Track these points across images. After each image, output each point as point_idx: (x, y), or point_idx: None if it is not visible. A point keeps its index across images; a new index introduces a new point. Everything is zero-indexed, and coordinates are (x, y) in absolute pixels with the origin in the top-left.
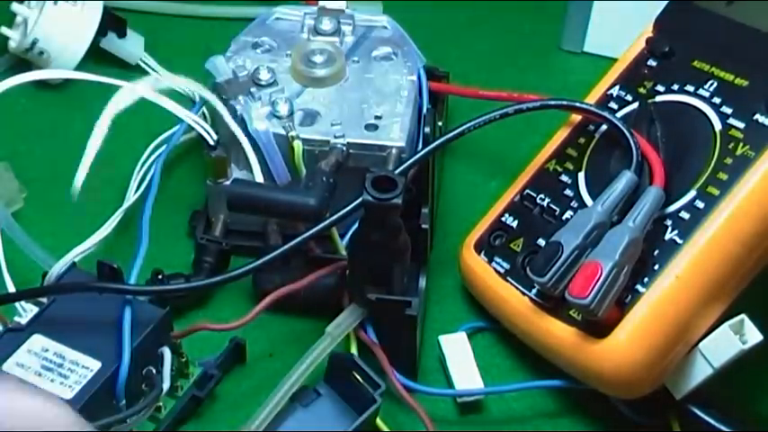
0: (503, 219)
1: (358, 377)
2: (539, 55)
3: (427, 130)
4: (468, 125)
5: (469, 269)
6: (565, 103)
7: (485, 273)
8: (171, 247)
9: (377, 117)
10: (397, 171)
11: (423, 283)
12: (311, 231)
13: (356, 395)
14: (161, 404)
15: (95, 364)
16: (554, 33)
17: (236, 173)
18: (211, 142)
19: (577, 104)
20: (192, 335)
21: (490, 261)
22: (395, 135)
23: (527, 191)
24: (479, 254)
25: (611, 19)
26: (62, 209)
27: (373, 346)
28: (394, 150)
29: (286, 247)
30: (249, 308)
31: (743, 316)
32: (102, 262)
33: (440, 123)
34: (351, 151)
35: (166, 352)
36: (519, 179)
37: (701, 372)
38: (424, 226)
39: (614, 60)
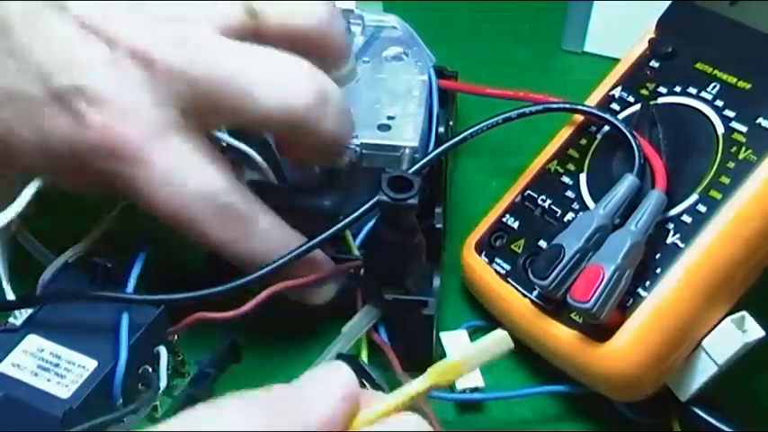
0: (504, 219)
1: (362, 380)
2: (539, 55)
3: (441, 129)
4: (474, 129)
5: (470, 269)
6: (567, 105)
7: (486, 273)
8: (174, 247)
9: (389, 117)
10: (410, 171)
11: (437, 282)
12: (326, 233)
13: None
14: (157, 403)
15: (91, 363)
16: (554, 33)
17: (249, 174)
18: (223, 144)
19: (579, 107)
20: (190, 333)
21: (491, 262)
22: (408, 135)
23: (528, 191)
24: (480, 254)
25: (611, 19)
26: (62, 208)
27: (386, 348)
28: (407, 150)
29: (300, 249)
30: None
31: (743, 312)
32: (95, 262)
33: (450, 123)
34: (364, 152)
35: (162, 351)
36: (520, 180)
37: (704, 371)
38: (437, 225)
39: (615, 60)
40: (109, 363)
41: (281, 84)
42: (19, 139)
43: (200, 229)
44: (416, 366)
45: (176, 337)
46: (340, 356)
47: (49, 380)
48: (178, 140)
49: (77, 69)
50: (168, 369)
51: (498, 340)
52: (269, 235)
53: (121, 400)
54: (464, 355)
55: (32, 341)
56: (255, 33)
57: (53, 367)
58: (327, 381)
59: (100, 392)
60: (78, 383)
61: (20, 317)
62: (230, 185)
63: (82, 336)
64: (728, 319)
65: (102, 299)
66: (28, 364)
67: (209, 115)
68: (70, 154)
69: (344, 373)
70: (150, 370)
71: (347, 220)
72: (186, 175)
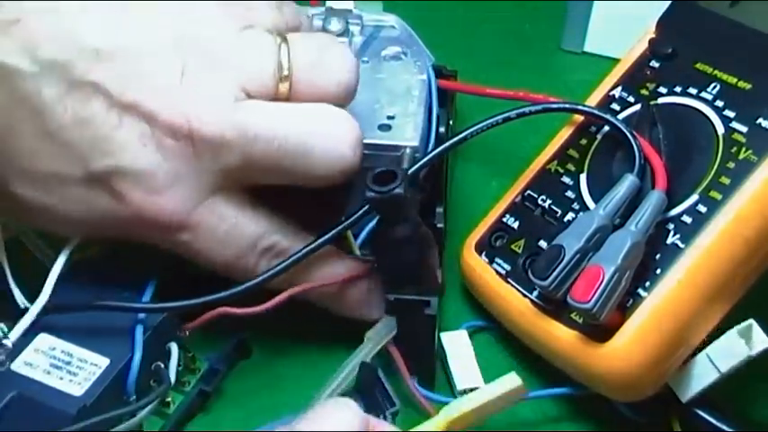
0: (504, 219)
1: (378, 392)
2: (539, 55)
3: (442, 129)
4: (474, 129)
5: (470, 269)
6: (567, 105)
7: (486, 274)
8: None
9: (389, 117)
10: (410, 171)
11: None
12: (326, 237)
13: (376, 410)
14: (169, 399)
15: (104, 361)
16: (554, 33)
17: None
18: None
19: (579, 107)
20: (200, 331)
21: (491, 262)
22: (408, 135)
23: (528, 191)
24: (480, 254)
25: (611, 19)
26: None
27: (391, 350)
28: (408, 150)
29: (301, 252)
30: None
31: (751, 321)
32: (105, 263)
33: (450, 122)
34: (365, 152)
35: (174, 347)
36: (520, 179)
37: (706, 376)
38: (438, 225)
39: (614, 60)
40: (121, 360)
41: (331, 146)
42: (59, 214)
43: (248, 272)
44: (418, 367)
45: (187, 333)
46: (363, 365)
47: (61, 378)
48: (220, 201)
49: (115, 151)
50: (179, 365)
51: (513, 390)
52: (312, 261)
53: (134, 398)
54: (478, 404)
55: (44, 340)
56: (285, 94)
57: (65, 365)
58: (334, 424)
59: (113, 390)
60: (91, 381)
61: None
62: (271, 225)
63: (93, 334)
64: (735, 329)
65: (108, 308)
66: (40, 362)
67: (254, 176)
68: (112, 226)
69: (351, 412)
70: (162, 366)
71: (346, 223)
72: (232, 232)
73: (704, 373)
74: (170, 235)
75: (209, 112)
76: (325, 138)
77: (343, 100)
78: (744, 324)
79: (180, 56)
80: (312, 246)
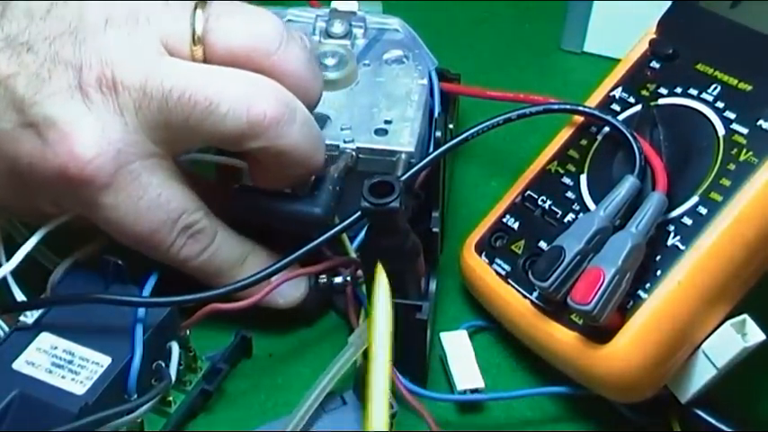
0: (504, 220)
1: None
2: (539, 55)
3: (438, 134)
4: (472, 131)
5: (470, 270)
6: (568, 106)
7: (486, 274)
8: None
9: (386, 122)
10: (405, 176)
11: (433, 286)
12: (318, 240)
13: None
14: (171, 398)
15: (105, 360)
16: (554, 33)
17: (247, 179)
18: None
19: (580, 108)
20: (201, 330)
21: (491, 262)
22: (404, 140)
23: (528, 192)
24: (480, 255)
25: (611, 19)
26: None
27: None
28: (403, 155)
29: (295, 255)
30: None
31: (744, 316)
32: (106, 259)
33: (451, 126)
34: (360, 156)
35: (174, 346)
36: (520, 180)
37: (704, 373)
38: (434, 229)
39: (614, 60)
40: (123, 359)
41: (246, 96)
42: None
43: (163, 249)
44: (411, 368)
45: (188, 332)
46: (361, 365)
47: (63, 377)
48: (147, 170)
49: (45, 101)
50: (180, 364)
51: None
52: (225, 248)
53: (136, 397)
54: None
55: (45, 339)
56: (201, 58)
57: (67, 364)
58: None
59: (115, 388)
60: (93, 380)
61: (31, 315)
62: (193, 204)
63: (94, 333)
64: (728, 323)
65: (110, 302)
66: (42, 361)
67: (176, 134)
68: (37, 186)
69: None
70: (163, 365)
71: (335, 230)
72: (155, 203)
73: (702, 370)
74: (92, 194)
75: (133, 63)
76: (235, 96)
77: (258, 65)
78: (737, 318)
79: (103, 12)
80: (310, 246)
